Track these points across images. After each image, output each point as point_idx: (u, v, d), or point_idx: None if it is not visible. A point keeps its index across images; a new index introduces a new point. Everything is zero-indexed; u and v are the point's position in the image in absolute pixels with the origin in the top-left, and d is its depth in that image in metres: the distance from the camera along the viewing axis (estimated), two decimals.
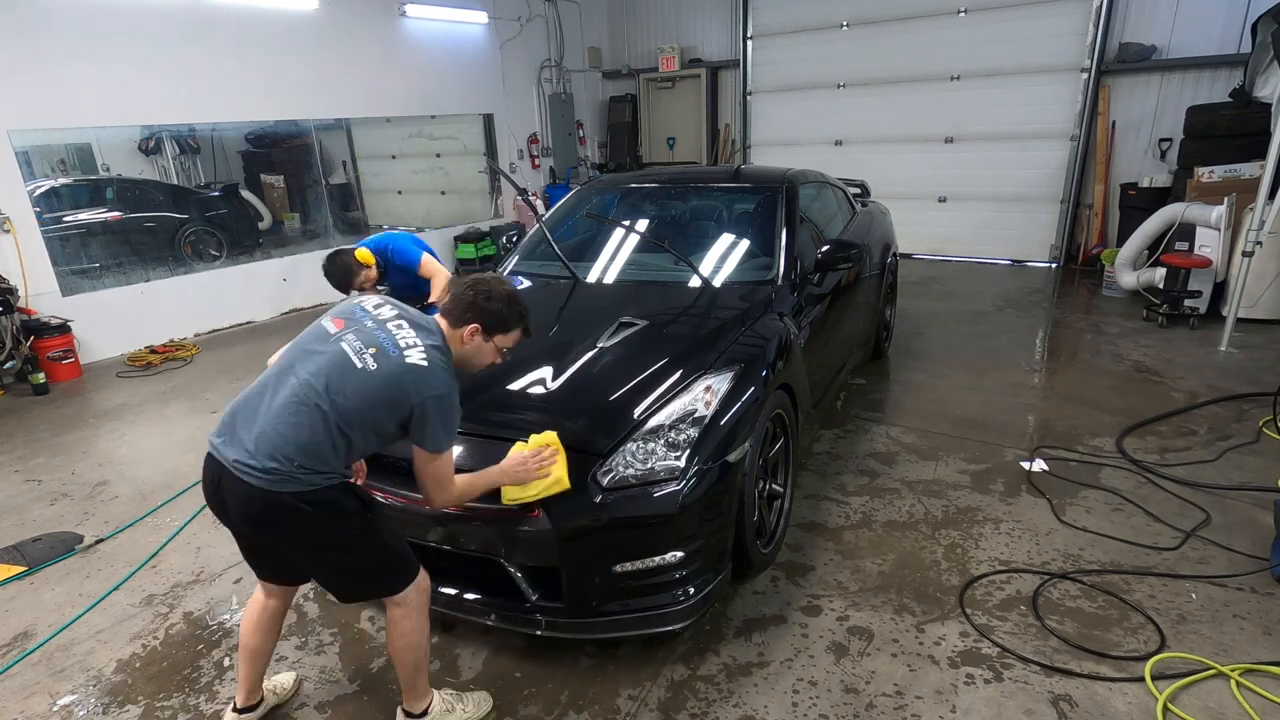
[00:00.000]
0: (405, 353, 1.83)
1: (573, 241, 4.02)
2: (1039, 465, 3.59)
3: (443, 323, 1.98)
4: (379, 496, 2.42)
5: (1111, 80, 7.34)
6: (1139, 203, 6.85)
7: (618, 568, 2.22)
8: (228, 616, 2.75)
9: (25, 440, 4.49)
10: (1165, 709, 2.11)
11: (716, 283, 3.36)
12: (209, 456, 1.84)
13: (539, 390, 2.57)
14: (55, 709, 2.33)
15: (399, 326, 1.89)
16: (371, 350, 1.82)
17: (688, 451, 2.27)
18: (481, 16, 8.83)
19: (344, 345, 1.84)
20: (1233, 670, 2.24)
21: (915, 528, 3.12)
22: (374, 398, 1.80)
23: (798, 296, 3.33)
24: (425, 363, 1.83)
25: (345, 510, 1.84)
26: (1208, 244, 5.66)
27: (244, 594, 2.87)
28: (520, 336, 2.10)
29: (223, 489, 1.81)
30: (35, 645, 2.61)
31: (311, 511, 1.77)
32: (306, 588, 2.88)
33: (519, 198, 5.47)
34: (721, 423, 2.38)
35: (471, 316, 1.97)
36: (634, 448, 2.28)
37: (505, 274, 3.84)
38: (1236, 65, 6.44)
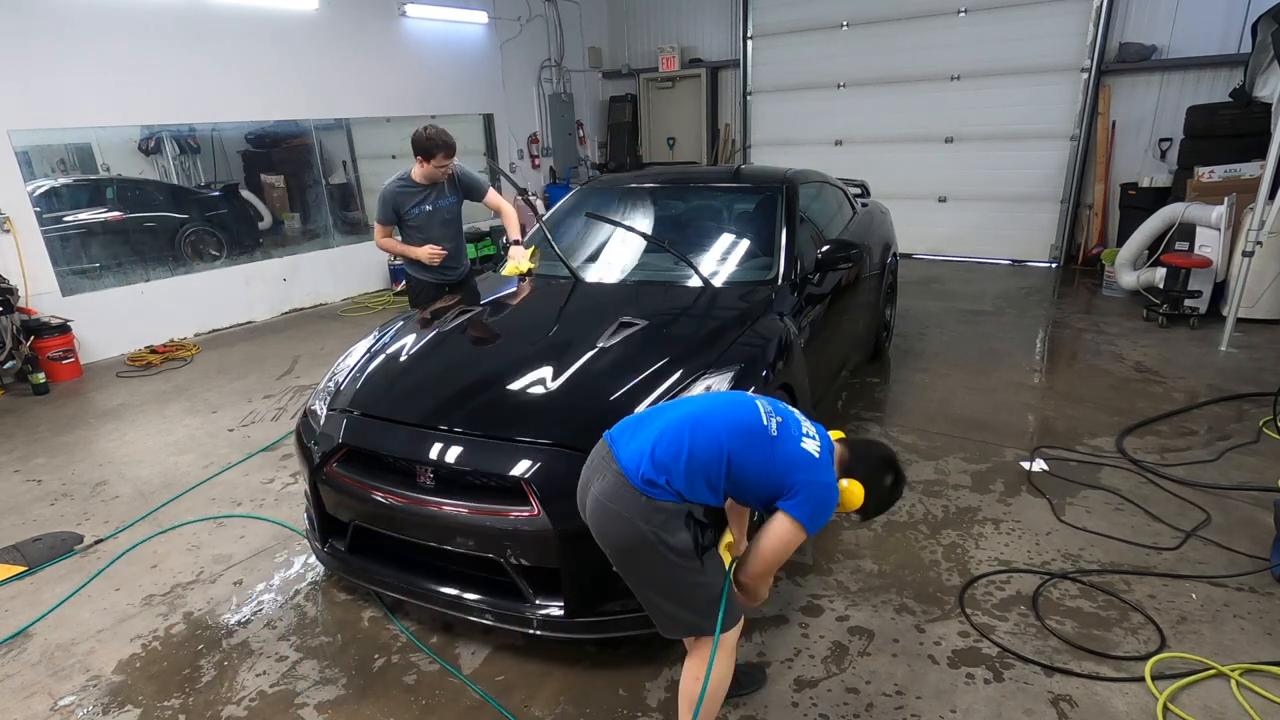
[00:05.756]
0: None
1: (573, 241, 4.02)
2: (1039, 465, 3.59)
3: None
4: (378, 497, 2.42)
5: (1111, 80, 7.34)
6: (1139, 203, 6.84)
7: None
8: (228, 617, 2.74)
9: (25, 440, 4.49)
10: (1165, 709, 2.11)
11: (716, 283, 3.36)
12: None
13: (539, 390, 2.57)
14: (55, 709, 2.33)
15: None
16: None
17: None
18: (481, 16, 8.83)
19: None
20: (1233, 670, 2.24)
21: (915, 528, 3.12)
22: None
23: (798, 296, 3.32)
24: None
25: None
26: (1208, 244, 5.66)
27: (243, 594, 2.87)
28: None
29: None
30: (22, 626, 2.62)
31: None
32: (306, 586, 2.88)
33: (519, 197, 5.47)
34: None
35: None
36: None
37: (505, 273, 3.84)
38: (1236, 65, 6.44)
